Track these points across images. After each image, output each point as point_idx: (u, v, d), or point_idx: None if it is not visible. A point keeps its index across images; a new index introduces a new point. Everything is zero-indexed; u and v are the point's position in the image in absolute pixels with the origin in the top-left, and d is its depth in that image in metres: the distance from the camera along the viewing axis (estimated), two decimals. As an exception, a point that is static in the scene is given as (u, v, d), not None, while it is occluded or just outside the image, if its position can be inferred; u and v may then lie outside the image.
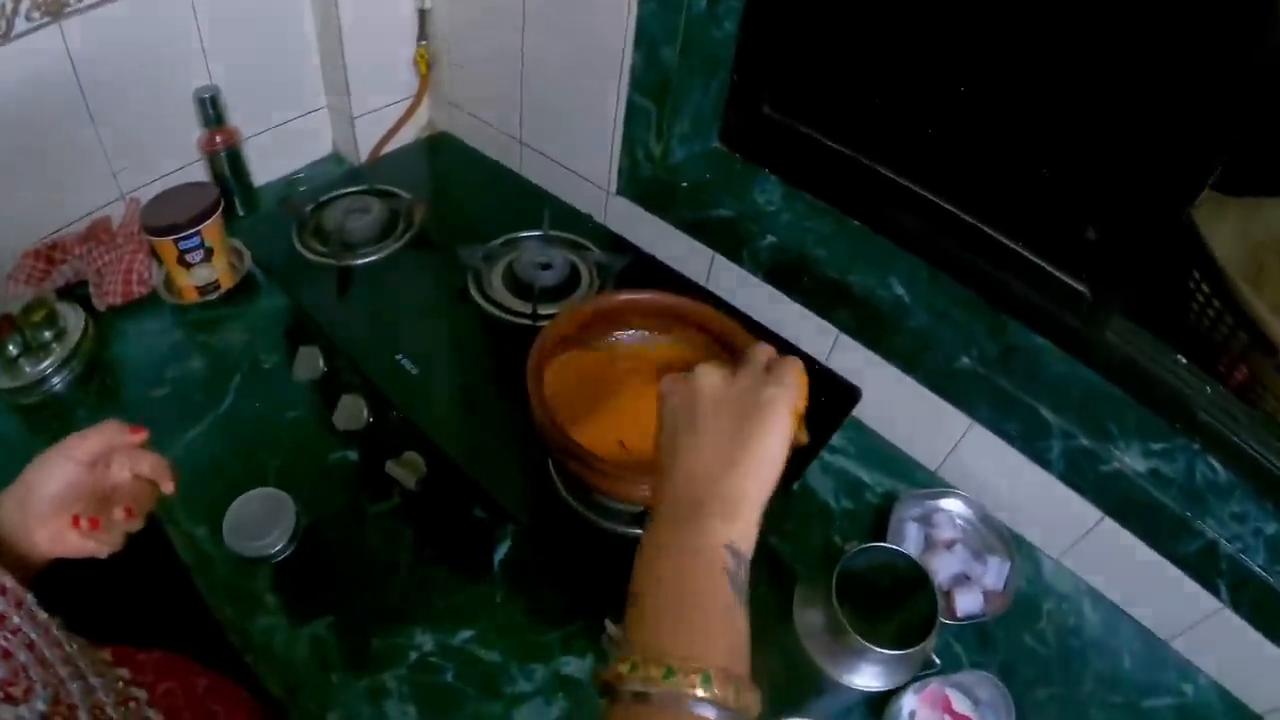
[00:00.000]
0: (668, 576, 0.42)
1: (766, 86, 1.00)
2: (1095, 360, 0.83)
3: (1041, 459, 0.83)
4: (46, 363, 0.90)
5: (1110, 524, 0.81)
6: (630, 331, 0.77)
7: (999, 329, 0.88)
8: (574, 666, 0.74)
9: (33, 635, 0.50)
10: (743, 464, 0.44)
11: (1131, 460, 0.78)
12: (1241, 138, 0.66)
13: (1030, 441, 0.83)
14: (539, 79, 1.11)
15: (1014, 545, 0.86)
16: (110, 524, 0.57)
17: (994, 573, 0.84)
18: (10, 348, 0.88)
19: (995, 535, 0.87)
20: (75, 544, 0.57)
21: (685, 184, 1.04)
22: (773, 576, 0.80)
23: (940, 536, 0.87)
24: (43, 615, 0.51)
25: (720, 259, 1.03)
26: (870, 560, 0.72)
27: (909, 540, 0.86)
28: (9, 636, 0.49)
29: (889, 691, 0.70)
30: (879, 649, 0.63)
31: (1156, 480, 0.77)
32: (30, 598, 0.51)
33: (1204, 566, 0.76)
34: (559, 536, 0.73)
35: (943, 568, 0.84)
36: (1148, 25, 0.67)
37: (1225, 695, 0.79)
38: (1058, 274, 0.83)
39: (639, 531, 0.71)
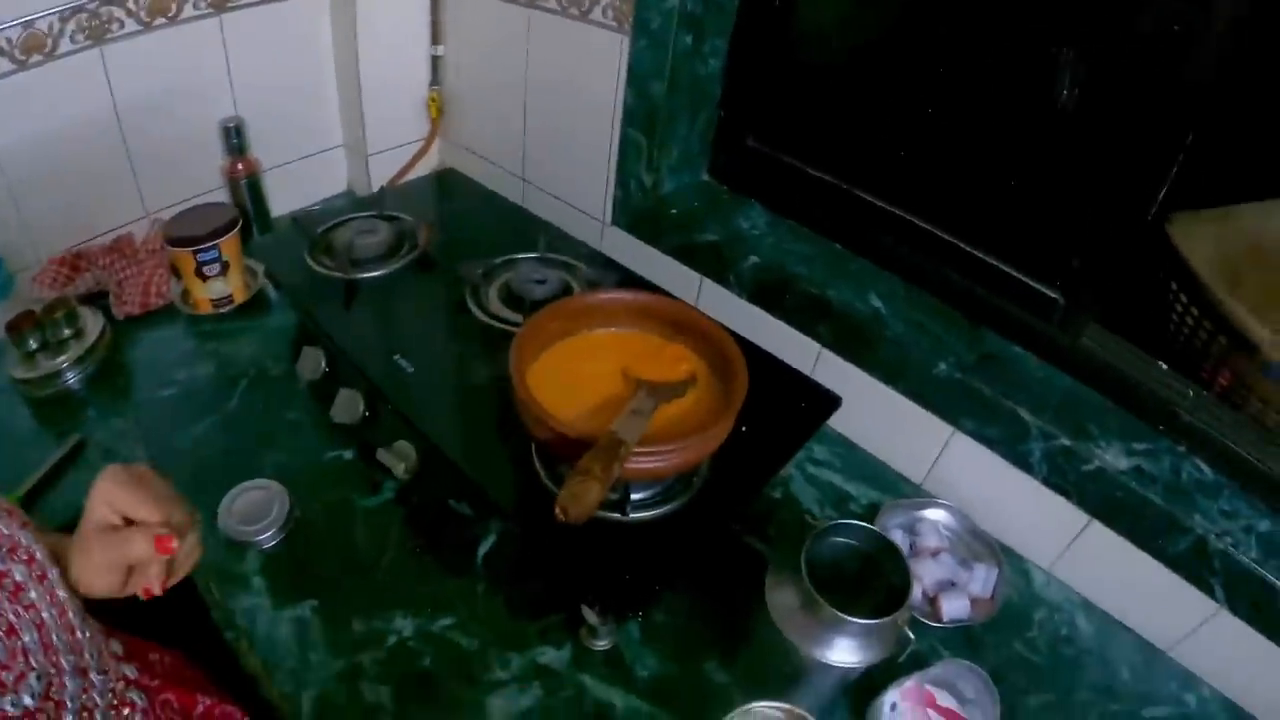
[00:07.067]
0: None
1: (751, 120, 1.06)
2: (1073, 366, 0.85)
3: (1024, 462, 0.83)
4: (62, 358, 0.94)
5: (1098, 528, 0.81)
6: (605, 329, 0.82)
7: (976, 340, 0.90)
8: (550, 656, 0.73)
9: (45, 615, 0.49)
10: None
11: (1113, 459, 0.78)
12: (1197, 148, 0.70)
13: (1012, 445, 0.84)
14: (540, 117, 1.19)
15: (1001, 554, 0.85)
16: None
17: (981, 579, 0.83)
18: (30, 341, 0.93)
19: (981, 544, 0.87)
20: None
21: (674, 212, 1.09)
22: (742, 571, 0.80)
23: (925, 544, 0.86)
24: (62, 594, 0.50)
25: (708, 283, 1.07)
26: (841, 538, 0.73)
27: (894, 547, 0.85)
28: (20, 612, 0.47)
29: (867, 674, 0.69)
30: (853, 619, 0.63)
31: (1140, 477, 0.77)
32: (55, 573, 0.50)
33: (1195, 565, 0.74)
34: (540, 525, 0.73)
35: (927, 574, 0.83)
36: (1103, 50, 0.73)
37: (1229, 705, 0.76)
38: (1032, 283, 0.86)
39: (616, 516, 0.72)
